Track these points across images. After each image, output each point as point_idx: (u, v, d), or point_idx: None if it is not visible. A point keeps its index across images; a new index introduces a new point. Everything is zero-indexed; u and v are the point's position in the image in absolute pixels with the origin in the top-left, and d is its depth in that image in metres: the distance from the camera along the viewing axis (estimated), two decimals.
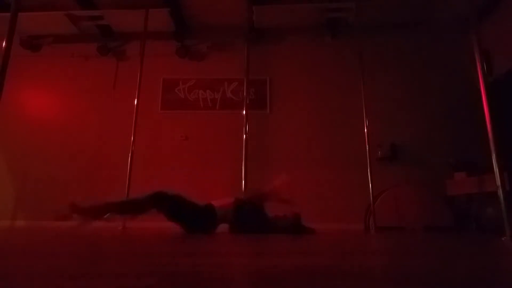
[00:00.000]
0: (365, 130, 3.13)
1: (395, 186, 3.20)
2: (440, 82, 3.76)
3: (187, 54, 4.01)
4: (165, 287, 0.47)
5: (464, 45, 3.61)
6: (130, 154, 2.94)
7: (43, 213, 3.61)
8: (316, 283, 0.50)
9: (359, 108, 3.24)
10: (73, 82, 4.05)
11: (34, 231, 2.23)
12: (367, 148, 3.05)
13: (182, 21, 3.97)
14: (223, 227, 2.22)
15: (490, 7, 3.43)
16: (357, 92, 3.33)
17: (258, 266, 0.70)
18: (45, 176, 3.72)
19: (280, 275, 0.59)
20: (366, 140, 3.09)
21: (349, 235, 2.19)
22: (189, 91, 3.95)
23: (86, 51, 4.09)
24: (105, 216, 2.02)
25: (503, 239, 1.74)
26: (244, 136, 3.37)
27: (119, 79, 4.03)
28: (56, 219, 1.85)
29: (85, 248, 1.08)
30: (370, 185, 2.97)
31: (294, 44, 4.05)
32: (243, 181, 3.18)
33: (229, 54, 4.05)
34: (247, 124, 3.41)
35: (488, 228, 2.69)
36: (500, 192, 1.82)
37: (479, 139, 2.24)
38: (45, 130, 3.89)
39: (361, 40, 3.41)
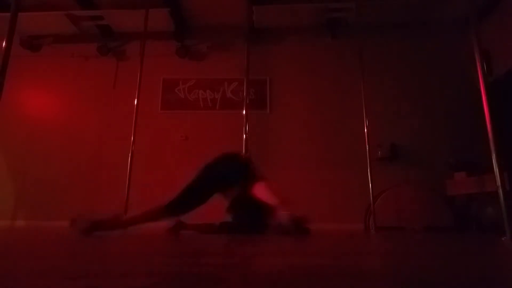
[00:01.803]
0: (365, 130, 3.13)
1: (395, 186, 3.20)
2: (440, 82, 3.76)
3: (187, 54, 4.01)
4: (165, 287, 0.47)
5: (464, 45, 3.61)
6: (130, 154, 2.94)
7: (43, 213, 3.61)
8: (316, 283, 0.50)
9: (359, 108, 3.24)
10: (73, 82, 4.05)
11: (34, 231, 2.23)
12: (367, 148, 3.04)
13: (182, 21, 3.97)
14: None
15: (490, 7, 3.43)
16: (357, 92, 3.33)
17: (257, 266, 0.70)
18: (45, 176, 3.73)
19: (280, 275, 0.59)
20: (366, 140, 3.09)
21: (349, 235, 2.19)
22: (189, 91, 3.95)
23: (86, 51, 4.09)
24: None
25: (503, 239, 1.73)
26: (244, 136, 3.37)
27: (119, 79, 4.03)
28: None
29: (85, 248, 1.08)
30: (370, 185, 2.97)
31: (294, 44, 4.05)
32: None
33: (229, 54, 4.05)
34: (247, 124, 3.41)
35: (488, 228, 2.69)
36: (500, 192, 1.82)
37: (479, 139, 2.25)
38: (45, 130, 3.90)
39: (361, 40, 3.40)
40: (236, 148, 3.45)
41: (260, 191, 1.99)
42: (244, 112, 3.45)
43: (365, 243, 1.47)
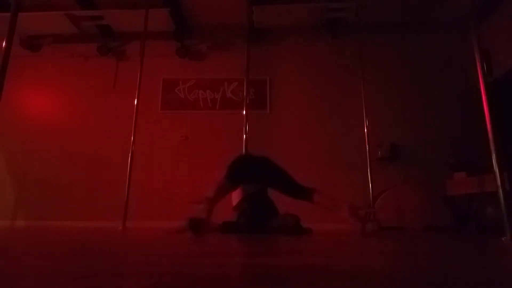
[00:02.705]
0: (365, 130, 3.13)
1: (395, 186, 3.20)
2: (440, 82, 3.76)
3: (187, 54, 4.01)
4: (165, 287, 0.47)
5: (464, 45, 3.60)
6: (130, 154, 2.94)
7: (43, 213, 3.61)
8: (315, 283, 0.50)
9: (359, 108, 3.24)
10: (73, 82, 4.05)
11: (34, 231, 2.23)
12: (367, 148, 3.04)
13: (182, 21, 3.97)
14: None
15: (490, 7, 3.43)
16: (357, 92, 3.32)
17: (257, 266, 0.70)
18: (45, 176, 3.72)
19: (280, 275, 0.59)
20: (366, 140, 3.09)
21: (349, 235, 2.19)
22: (189, 91, 3.95)
23: (86, 51, 4.08)
24: None
25: (503, 239, 1.73)
26: (244, 136, 3.37)
27: (119, 79, 4.03)
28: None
29: (85, 248, 1.08)
30: (370, 185, 2.97)
31: (294, 44, 4.05)
32: None
33: (229, 54, 4.05)
34: (247, 124, 3.41)
35: (488, 228, 2.69)
36: (500, 192, 1.81)
37: (479, 139, 2.24)
38: (45, 130, 3.89)
39: (361, 40, 3.40)
40: (236, 148, 3.45)
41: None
42: (244, 112, 3.45)
43: (365, 243, 1.47)
